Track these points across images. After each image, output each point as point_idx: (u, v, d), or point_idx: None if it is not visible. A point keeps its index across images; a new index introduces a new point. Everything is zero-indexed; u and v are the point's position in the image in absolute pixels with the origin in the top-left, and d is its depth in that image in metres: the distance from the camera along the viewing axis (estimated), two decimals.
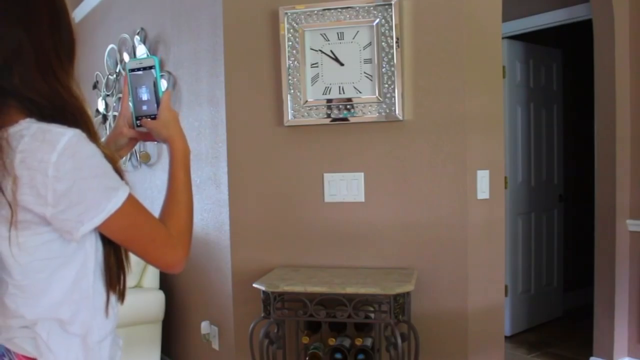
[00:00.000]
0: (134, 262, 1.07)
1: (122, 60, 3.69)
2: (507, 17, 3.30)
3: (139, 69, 1.14)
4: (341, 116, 2.33)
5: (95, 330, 0.98)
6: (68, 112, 0.92)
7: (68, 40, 0.98)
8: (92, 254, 0.96)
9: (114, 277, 1.00)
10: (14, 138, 0.86)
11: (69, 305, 0.94)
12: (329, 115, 2.34)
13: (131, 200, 0.95)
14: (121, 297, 1.03)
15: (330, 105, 2.33)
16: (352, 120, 2.32)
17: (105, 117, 4.09)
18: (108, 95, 4.00)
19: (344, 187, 2.37)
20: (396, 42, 2.23)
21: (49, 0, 0.94)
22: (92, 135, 0.93)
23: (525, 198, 4.21)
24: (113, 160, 0.95)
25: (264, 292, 2.10)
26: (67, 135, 0.86)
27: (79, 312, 0.95)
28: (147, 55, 1.11)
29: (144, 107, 1.13)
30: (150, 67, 1.13)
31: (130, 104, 1.14)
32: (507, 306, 3.96)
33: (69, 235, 0.90)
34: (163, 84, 1.17)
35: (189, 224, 1.07)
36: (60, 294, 0.93)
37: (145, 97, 1.13)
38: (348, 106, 2.31)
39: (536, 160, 4.29)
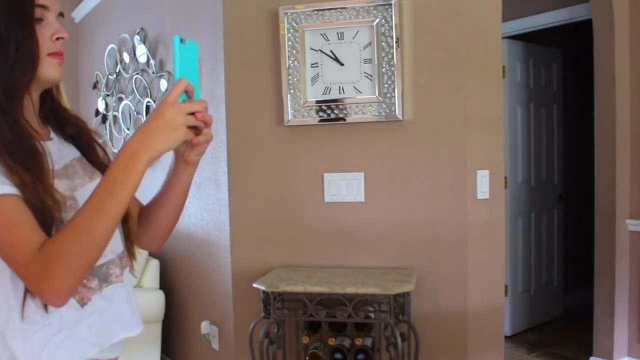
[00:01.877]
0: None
1: (122, 60, 3.69)
2: (507, 17, 3.30)
3: None
4: (341, 116, 2.33)
5: (12, 331, 0.94)
6: None
7: (12, 69, 0.93)
8: None
9: None
10: None
11: None
12: (329, 115, 2.34)
13: None
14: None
15: (330, 105, 2.33)
16: (352, 120, 2.32)
17: (105, 117, 4.09)
18: (108, 95, 4.00)
19: (344, 187, 2.37)
20: (396, 42, 2.23)
21: None
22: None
23: (525, 198, 4.20)
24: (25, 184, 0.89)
25: (264, 292, 2.10)
26: None
27: (0, 310, 0.94)
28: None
29: None
30: None
31: None
32: (507, 306, 3.95)
33: None
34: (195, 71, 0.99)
35: (78, 248, 0.86)
36: None
37: None
38: (348, 106, 2.31)
39: (536, 160, 4.29)
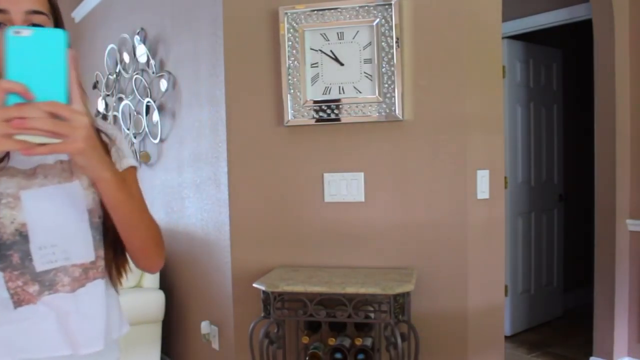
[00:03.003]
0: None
1: (122, 60, 3.69)
2: (507, 17, 3.30)
3: None
4: (341, 116, 2.33)
5: None
6: None
7: None
8: None
9: None
10: None
11: None
12: (328, 115, 2.34)
13: None
14: None
15: (330, 105, 2.33)
16: (352, 120, 2.32)
17: (105, 117, 4.09)
18: (108, 95, 4.00)
19: (344, 187, 2.37)
20: (396, 42, 2.23)
21: None
22: None
23: (525, 198, 4.21)
24: None
25: (264, 292, 2.10)
26: None
27: None
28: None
29: None
30: None
31: None
32: (507, 306, 3.96)
33: None
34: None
35: None
36: None
37: None
38: (348, 106, 2.31)
39: (536, 160, 4.29)
